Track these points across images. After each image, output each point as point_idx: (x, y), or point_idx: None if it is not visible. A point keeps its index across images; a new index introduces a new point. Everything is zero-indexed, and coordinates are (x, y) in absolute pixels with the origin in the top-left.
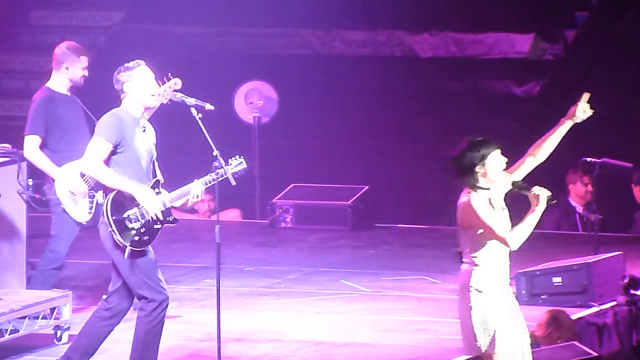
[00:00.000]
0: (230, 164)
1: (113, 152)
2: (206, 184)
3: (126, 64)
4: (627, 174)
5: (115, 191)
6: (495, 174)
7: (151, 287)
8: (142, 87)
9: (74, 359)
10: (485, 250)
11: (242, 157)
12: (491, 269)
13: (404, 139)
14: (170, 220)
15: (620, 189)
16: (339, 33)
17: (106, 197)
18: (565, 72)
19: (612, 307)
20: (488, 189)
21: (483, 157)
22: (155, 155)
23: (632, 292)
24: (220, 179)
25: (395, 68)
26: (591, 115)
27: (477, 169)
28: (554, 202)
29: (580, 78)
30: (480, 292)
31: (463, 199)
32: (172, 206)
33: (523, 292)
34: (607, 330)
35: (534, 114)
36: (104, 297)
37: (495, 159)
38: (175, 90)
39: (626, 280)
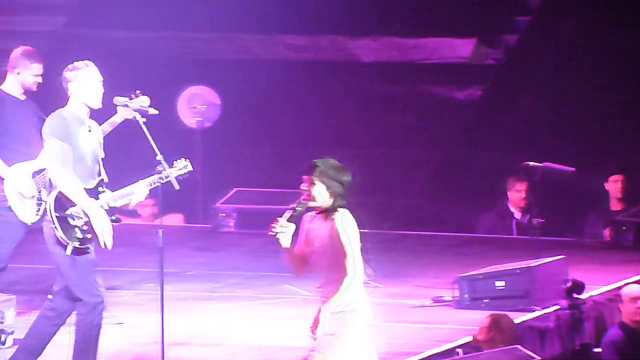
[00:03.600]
0: (175, 166)
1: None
2: (150, 184)
3: (74, 63)
4: (569, 178)
5: (53, 193)
6: None
7: (87, 289)
8: (87, 88)
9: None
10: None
11: (187, 159)
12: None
13: (345, 144)
14: (113, 219)
15: (562, 193)
16: (281, 38)
17: (50, 193)
18: (506, 77)
19: (554, 311)
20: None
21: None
22: (101, 155)
23: (575, 296)
24: (165, 180)
25: (336, 73)
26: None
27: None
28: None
29: (521, 83)
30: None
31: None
32: (114, 206)
33: (465, 296)
34: (549, 334)
35: (476, 119)
36: (49, 297)
37: None
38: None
39: (569, 284)
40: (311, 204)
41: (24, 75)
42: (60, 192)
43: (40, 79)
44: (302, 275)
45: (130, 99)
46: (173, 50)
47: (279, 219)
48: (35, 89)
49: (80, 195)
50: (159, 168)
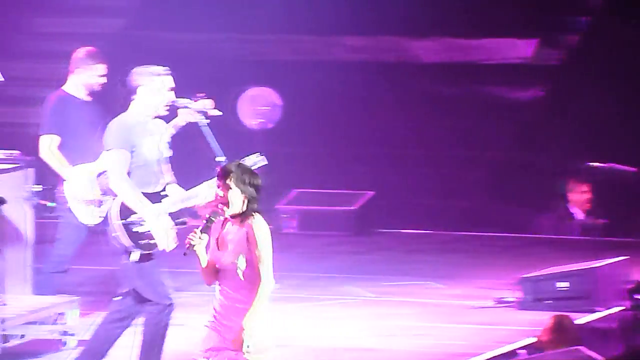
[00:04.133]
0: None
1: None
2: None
3: (151, 67)
4: (632, 179)
5: (118, 200)
6: None
7: (156, 292)
8: (158, 96)
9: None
10: None
11: (261, 154)
12: None
13: (407, 145)
14: (180, 222)
15: (625, 194)
16: (341, 39)
17: (112, 201)
18: (568, 77)
19: (617, 312)
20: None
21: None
22: (168, 155)
23: (638, 296)
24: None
25: (396, 74)
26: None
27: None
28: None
29: (583, 83)
30: None
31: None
32: (180, 208)
33: (528, 297)
34: (612, 335)
35: (537, 120)
36: (114, 300)
37: None
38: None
39: (632, 285)
40: (226, 209)
41: (87, 75)
42: (119, 202)
43: (103, 80)
44: (214, 283)
45: (193, 102)
46: (234, 51)
47: (195, 230)
48: (98, 89)
49: (138, 203)
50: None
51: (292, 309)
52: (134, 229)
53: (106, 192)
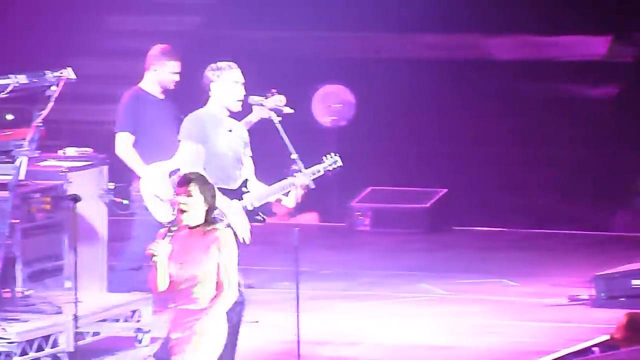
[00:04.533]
0: (325, 161)
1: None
2: (314, 173)
3: (218, 63)
4: None
5: None
6: None
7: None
8: (228, 90)
9: (165, 357)
10: None
11: (337, 154)
12: None
13: (480, 142)
14: (258, 219)
15: None
16: (415, 36)
17: None
18: None
19: None
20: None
21: None
22: (247, 154)
23: None
24: (316, 175)
25: (470, 71)
26: None
27: None
28: None
29: None
30: None
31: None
32: (260, 204)
33: (602, 294)
34: None
35: (611, 117)
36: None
37: None
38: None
39: None
40: (186, 218)
41: (161, 73)
42: None
43: (177, 77)
44: (165, 294)
45: (266, 98)
46: (308, 49)
47: (158, 240)
48: (172, 87)
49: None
50: (294, 167)
51: (366, 307)
52: None
53: None
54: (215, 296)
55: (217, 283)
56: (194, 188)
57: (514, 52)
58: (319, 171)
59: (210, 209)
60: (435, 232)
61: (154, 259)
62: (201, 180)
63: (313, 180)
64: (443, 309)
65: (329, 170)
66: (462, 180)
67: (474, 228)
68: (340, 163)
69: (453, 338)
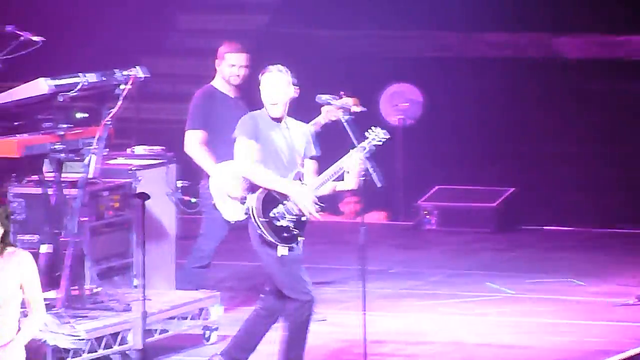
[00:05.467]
0: (369, 136)
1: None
2: (364, 149)
3: (269, 66)
4: None
5: (260, 191)
6: None
7: (295, 287)
8: (264, 93)
9: (233, 355)
10: None
11: (377, 127)
12: None
13: (548, 141)
14: (318, 209)
15: None
16: (481, 36)
17: (251, 197)
18: None
19: None
20: None
21: None
22: (309, 154)
23: None
24: (365, 150)
25: (538, 70)
26: None
27: None
28: None
29: None
30: None
31: None
32: (322, 194)
33: None
34: None
35: None
36: (261, 296)
37: None
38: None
39: None
40: None
41: (223, 67)
42: (260, 195)
43: (236, 71)
44: None
45: (335, 99)
46: (374, 48)
47: None
48: (235, 82)
49: (273, 179)
50: (364, 144)
51: (432, 306)
52: (277, 224)
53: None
54: (27, 321)
55: (26, 305)
56: None
57: (584, 51)
58: (364, 148)
59: (7, 233)
60: (503, 231)
61: None
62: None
63: (380, 177)
64: (510, 309)
65: (376, 144)
66: (529, 179)
67: (541, 227)
68: (386, 136)
69: (519, 337)
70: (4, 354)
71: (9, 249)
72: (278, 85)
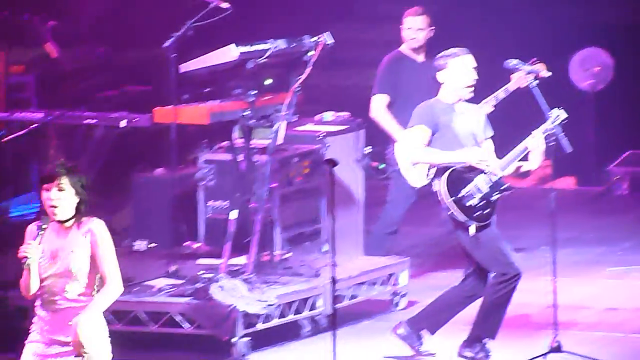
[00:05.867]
0: (551, 117)
1: (431, 140)
2: (545, 131)
3: (446, 51)
4: None
5: (447, 173)
6: None
7: (499, 261)
8: (456, 78)
9: (421, 326)
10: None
11: (560, 108)
12: None
13: None
14: (505, 188)
15: None
16: None
17: (439, 181)
18: None
19: None
20: None
21: None
22: (487, 135)
23: None
24: (550, 131)
25: None
26: None
27: None
28: None
29: None
30: None
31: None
32: (505, 174)
33: None
34: None
35: None
36: (463, 276)
37: None
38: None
39: None
40: (58, 213)
41: (403, 31)
42: (449, 176)
43: (414, 34)
44: (35, 295)
45: (524, 64)
46: (567, 13)
47: (30, 241)
48: (413, 45)
49: (446, 155)
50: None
51: (624, 273)
52: (467, 203)
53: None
54: (100, 292)
55: (100, 278)
56: (64, 182)
57: None
58: (547, 129)
59: (82, 201)
60: None
61: (28, 262)
62: (71, 171)
63: (567, 143)
64: None
65: (556, 124)
66: None
67: None
68: (563, 115)
69: None
70: (77, 326)
71: (84, 219)
72: (472, 65)
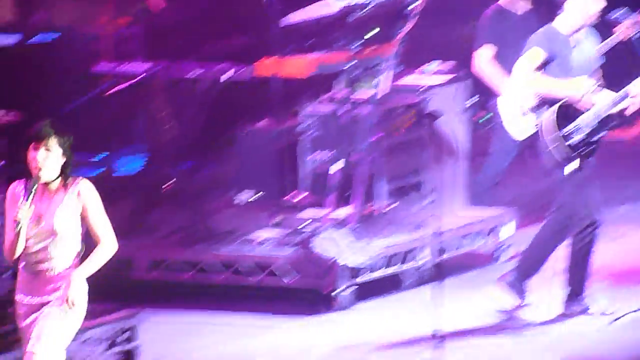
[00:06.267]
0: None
1: (544, 70)
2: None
3: None
4: None
5: (551, 112)
6: None
7: (585, 206)
8: (580, 7)
9: (523, 271)
10: None
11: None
12: None
13: None
14: (612, 125)
15: None
16: None
17: (542, 117)
18: None
19: None
20: None
21: None
22: (597, 65)
23: None
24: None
25: None
26: None
27: None
28: None
29: None
30: None
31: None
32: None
33: None
34: None
35: None
36: (552, 212)
37: None
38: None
39: None
40: (44, 174)
41: None
42: (552, 114)
43: None
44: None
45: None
46: None
47: (22, 205)
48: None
49: (551, 81)
50: None
51: None
52: (567, 142)
53: (540, 104)
54: (94, 251)
55: (95, 237)
56: (52, 142)
57: None
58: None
59: (69, 162)
60: None
61: (19, 225)
62: (59, 131)
63: None
64: None
65: None
66: None
67: None
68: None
69: None
70: (72, 281)
71: (70, 180)
72: None
